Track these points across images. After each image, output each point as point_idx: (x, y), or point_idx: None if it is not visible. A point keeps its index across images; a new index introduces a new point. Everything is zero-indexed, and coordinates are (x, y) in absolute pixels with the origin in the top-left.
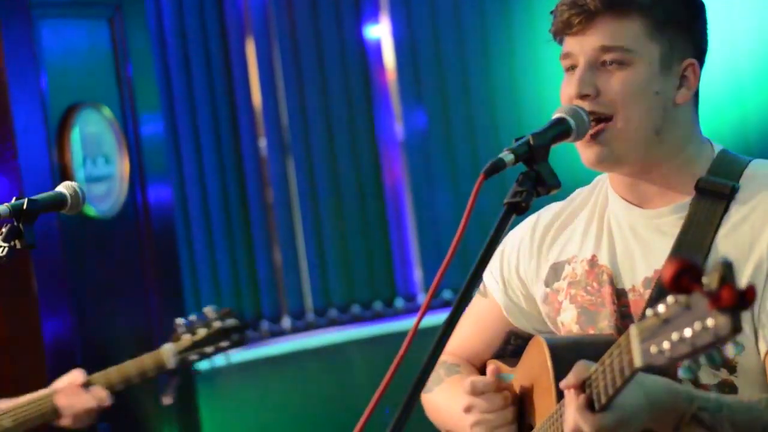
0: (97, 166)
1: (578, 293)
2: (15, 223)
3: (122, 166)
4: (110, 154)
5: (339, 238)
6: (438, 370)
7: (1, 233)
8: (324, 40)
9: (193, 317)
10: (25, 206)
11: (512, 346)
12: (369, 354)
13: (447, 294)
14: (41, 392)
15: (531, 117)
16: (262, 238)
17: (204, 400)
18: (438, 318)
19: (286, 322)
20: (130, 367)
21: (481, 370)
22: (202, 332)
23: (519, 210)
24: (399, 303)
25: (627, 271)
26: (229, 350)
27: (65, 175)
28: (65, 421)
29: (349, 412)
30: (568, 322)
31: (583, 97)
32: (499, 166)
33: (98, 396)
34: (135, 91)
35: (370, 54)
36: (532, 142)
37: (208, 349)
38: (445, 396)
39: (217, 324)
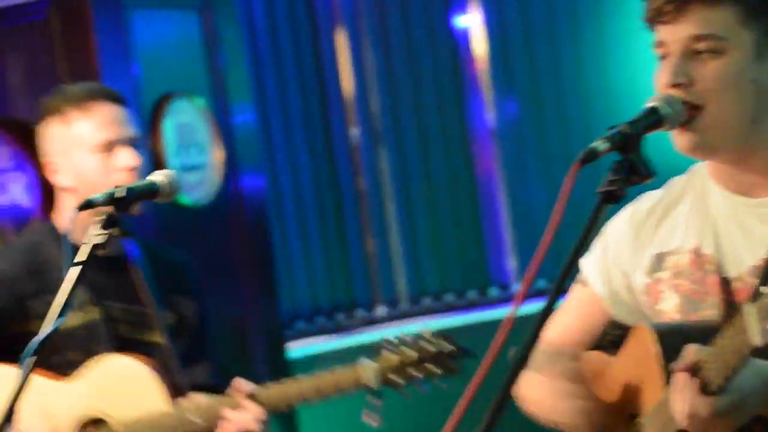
0: (190, 156)
1: (682, 283)
2: (112, 212)
3: (215, 156)
4: (203, 144)
5: (432, 226)
6: (537, 359)
7: (99, 222)
8: (414, 28)
9: (403, 335)
10: (121, 194)
11: (611, 336)
12: (462, 343)
13: (541, 283)
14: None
15: (624, 105)
16: (355, 227)
17: None
18: (532, 307)
19: (380, 310)
20: (323, 380)
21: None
22: (412, 354)
23: (613, 199)
24: (493, 292)
25: (732, 260)
26: (440, 378)
27: (159, 164)
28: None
29: (443, 401)
30: (669, 310)
31: (676, 86)
32: (593, 154)
33: (259, 414)
34: (227, 81)
35: (460, 42)
36: (625, 130)
37: (417, 374)
38: (537, 388)
39: (430, 347)
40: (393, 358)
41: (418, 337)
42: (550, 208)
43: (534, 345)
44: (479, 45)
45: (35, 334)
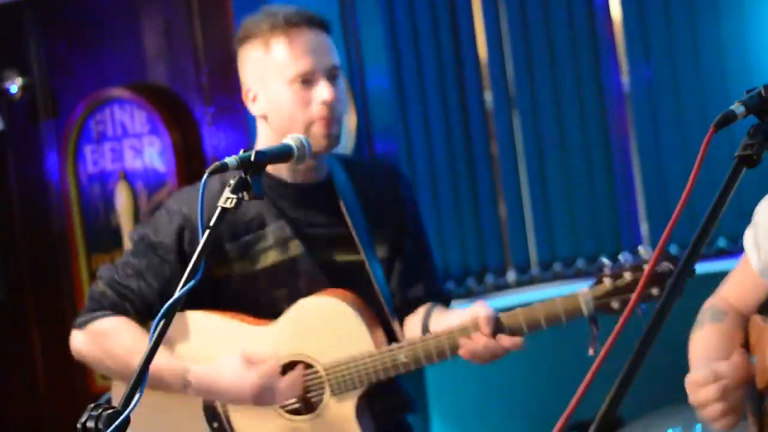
0: None
1: None
2: (243, 175)
3: (349, 120)
4: None
5: (564, 192)
6: (705, 314)
7: (230, 185)
8: None
9: (624, 257)
10: (252, 158)
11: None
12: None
13: (674, 249)
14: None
15: (762, 68)
16: (488, 192)
17: None
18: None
19: (511, 275)
20: (538, 310)
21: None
22: (627, 276)
23: (750, 163)
24: (626, 257)
25: None
26: (657, 299)
27: None
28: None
29: (577, 362)
30: None
31: None
32: (729, 118)
33: (513, 342)
34: (361, 46)
35: (596, 5)
36: (764, 93)
37: (632, 296)
38: (701, 346)
39: (645, 267)
40: (607, 283)
41: (638, 257)
42: (684, 173)
43: (667, 311)
44: (615, 8)
45: (236, 276)
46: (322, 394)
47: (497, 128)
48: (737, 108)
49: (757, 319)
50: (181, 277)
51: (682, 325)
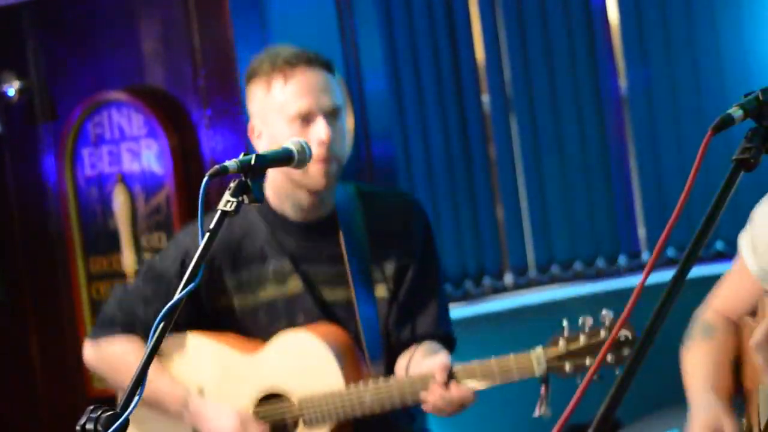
0: None
1: None
2: (243, 179)
3: (347, 123)
4: None
5: (562, 195)
6: (695, 327)
7: (230, 189)
8: None
9: (582, 320)
10: (253, 162)
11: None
12: (591, 312)
13: (671, 252)
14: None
15: (760, 72)
16: (485, 195)
17: None
18: (662, 276)
19: (509, 278)
20: (492, 365)
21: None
22: (582, 341)
23: (748, 167)
24: (622, 260)
25: None
26: (612, 365)
27: None
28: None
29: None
30: None
31: None
32: (727, 121)
33: (461, 393)
34: (359, 49)
35: (593, 8)
36: (761, 97)
37: (586, 361)
38: (692, 362)
39: (602, 333)
40: (562, 345)
41: (600, 322)
42: (681, 177)
43: (664, 316)
44: (612, 11)
45: (237, 309)
46: (296, 426)
47: (495, 131)
48: (735, 112)
49: (749, 321)
50: (184, 305)
51: (680, 328)
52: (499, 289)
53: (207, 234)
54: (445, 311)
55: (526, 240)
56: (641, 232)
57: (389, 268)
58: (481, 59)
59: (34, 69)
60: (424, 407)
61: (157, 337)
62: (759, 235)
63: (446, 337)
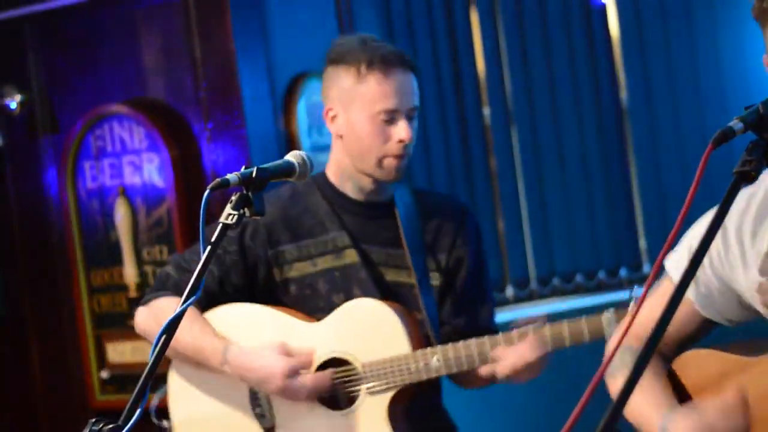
0: (322, 136)
1: None
2: (244, 192)
3: None
4: None
5: (563, 207)
6: (624, 355)
7: (231, 201)
8: (549, 6)
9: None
10: (254, 174)
11: (705, 331)
12: None
13: None
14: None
15: (760, 84)
16: (486, 207)
17: None
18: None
19: (510, 291)
20: (564, 328)
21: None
22: None
23: (749, 179)
24: (623, 273)
25: None
26: None
27: (291, 143)
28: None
29: (569, 382)
30: None
31: None
32: (728, 134)
33: (541, 354)
34: None
35: (594, 21)
36: (762, 110)
37: None
38: (647, 396)
39: None
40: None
41: None
42: (682, 189)
43: (663, 329)
44: (613, 24)
45: (293, 281)
46: (359, 391)
47: (496, 144)
48: (736, 124)
49: (702, 353)
50: (239, 267)
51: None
52: (501, 302)
53: (208, 247)
54: (493, 312)
55: (527, 252)
56: (642, 244)
57: (443, 259)
58: (482, 71)
59: (36, 82)
60: (499, 369)
61: (159, 350)
62: (707, 258)
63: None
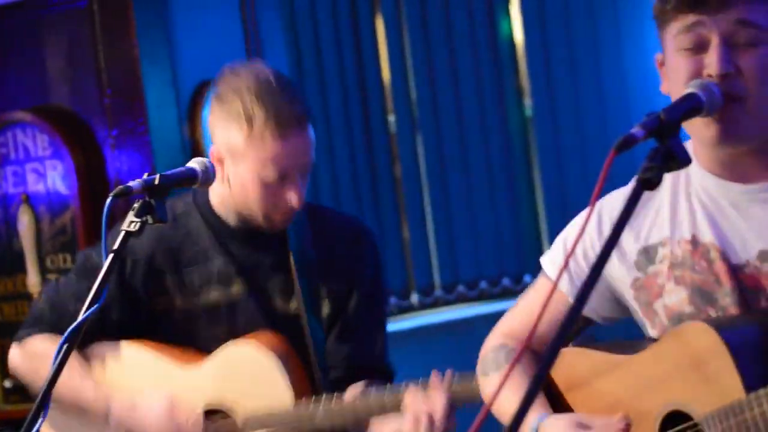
0: None
1: (685, 274)
2: (147, 199)
3: None
4: None
5: (468, 214)
6: (498, 354)
7: (133, 209)
8: (453, 14)
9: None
10: (157, 182)
11: (575, 327)
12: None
13: None
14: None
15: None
16: (391, 214)
17: None
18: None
19: (415, 298)
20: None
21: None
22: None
23: (651, 185)
24: (528, 279)
25: (738, 246)
26: None
27: (196, 151)
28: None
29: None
30: (676, 304)
31: (723, 76)
32: (629, 141)
33: (440, 403)
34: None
35: (499, 30)
36: (663, 117)
37: None
38: (511, 389)
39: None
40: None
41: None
42: (586, 196)
43: (565, 336)
44: (517, 32)
45: (176, 312)
46: None
47: (401, 151)
48: (637, 132)
49: (572, 351)
50: (119, 303)
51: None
52: (405, 309)
53: (111, 254)
54: (386, 344)
55: (432, 259)
56: (546, 250)
57: (335, 287)
58: (387, 79)
59: None
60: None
61: (61, 359)
62: (578, 256)
63: (389, 370)
